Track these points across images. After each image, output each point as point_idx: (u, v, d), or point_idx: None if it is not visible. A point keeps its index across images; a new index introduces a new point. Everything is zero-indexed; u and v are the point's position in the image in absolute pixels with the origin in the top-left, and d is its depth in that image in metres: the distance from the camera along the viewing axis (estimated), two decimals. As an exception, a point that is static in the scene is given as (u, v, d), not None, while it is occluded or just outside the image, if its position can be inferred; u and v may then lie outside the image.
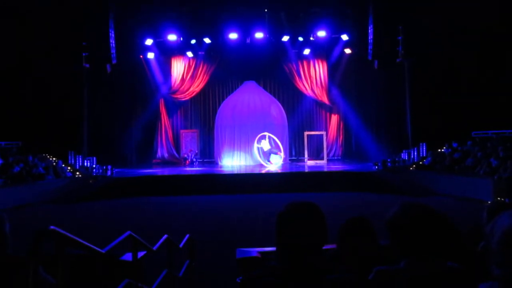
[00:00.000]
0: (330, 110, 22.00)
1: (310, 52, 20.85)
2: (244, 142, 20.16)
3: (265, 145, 19.48)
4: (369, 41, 18.93)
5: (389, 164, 17.13)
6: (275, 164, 19.14)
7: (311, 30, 19.82)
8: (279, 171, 17.53)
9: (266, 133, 19.44)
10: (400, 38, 18.42)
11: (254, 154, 19.81)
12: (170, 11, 19.28)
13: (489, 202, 11.37)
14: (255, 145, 19.53)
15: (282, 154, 19.55)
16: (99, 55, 18.43)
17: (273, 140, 19.66)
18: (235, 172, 17.68)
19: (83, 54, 18.27)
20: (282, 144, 20.40)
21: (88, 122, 18.61)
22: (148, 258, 3.86)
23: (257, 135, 19.45)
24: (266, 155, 19.49)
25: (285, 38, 19.88)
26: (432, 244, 1.65)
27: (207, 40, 19.84)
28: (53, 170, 15.73)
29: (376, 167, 16.98)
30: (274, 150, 19.45)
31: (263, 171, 17.53)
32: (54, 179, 15.40)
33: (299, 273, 1.69)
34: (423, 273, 1.63)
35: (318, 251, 1.74)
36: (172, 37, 19.65)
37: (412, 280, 1.62)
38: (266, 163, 19.26)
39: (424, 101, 17.95)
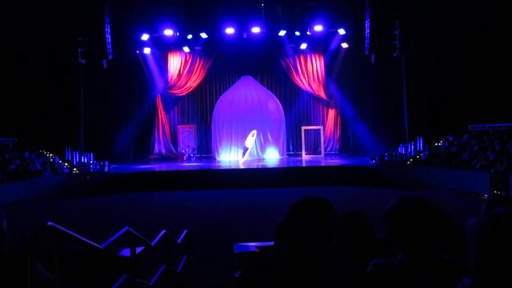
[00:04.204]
0: (327, 105, 22.00)
1: (307, 47, 20.80)
2: (241, 137, 20.10)
3: (249, 141, 19.32)
4: (366, 35, 18.88)
5: (386, 158, 17.16)
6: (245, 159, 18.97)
7: (308, 24, 19.75)
8: (277, 166, 17.53)
9: (255, 131, 19.29)
10: (397, 32, 18.40)
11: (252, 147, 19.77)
12: (166, 5, 19.18)
13: (485, 195, 11.44)
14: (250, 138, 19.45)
15: (247, 154, 19.22)
16: (95, 50, 18.31)
17: (266, 136, 19.61)
18: (233, 167, 17.68)
19: (79, 50, 18.14)
20: (279, 139, 20.39)
21: (84, 118, 18.53)
22: (146, 253, 3.87)
23: (254, 130, 19.37)
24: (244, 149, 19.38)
25: (282, 33, 19.81)
26: (429, 237, 1.66)
27: (203, 35, 19.75)
28: (50, 166, 15.69)
29: (374, 161, 17.01)
30: (246, 146, 19.26)
31: (256, 166, 17.54)
32: (51, 175, 15.36)
33: (298, 266, 1.69)
34: (420, 266, 1.64)
35: (322, 248, 1.73)
36: (168, 32, 19.55)
37: (409, 273, 1.63)
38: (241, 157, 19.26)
39: (421, 95, 17.98)
